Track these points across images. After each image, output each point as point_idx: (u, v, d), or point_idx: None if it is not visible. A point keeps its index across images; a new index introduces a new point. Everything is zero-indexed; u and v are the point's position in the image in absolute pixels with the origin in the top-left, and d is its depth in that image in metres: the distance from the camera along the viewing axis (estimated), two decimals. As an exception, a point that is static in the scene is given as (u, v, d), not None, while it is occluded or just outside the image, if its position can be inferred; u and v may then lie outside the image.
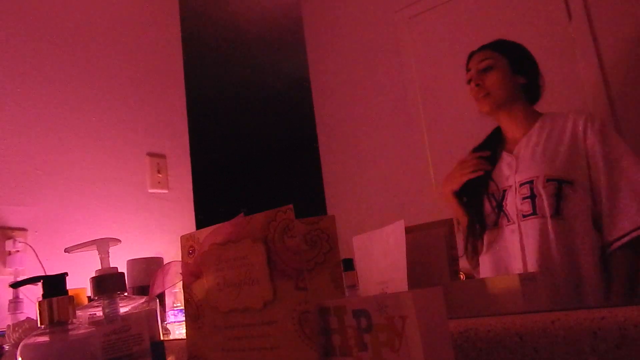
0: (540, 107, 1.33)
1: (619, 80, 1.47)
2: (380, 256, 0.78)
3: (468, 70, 1.31)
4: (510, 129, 1.28)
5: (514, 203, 1.16)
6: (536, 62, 1.28)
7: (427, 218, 1.35)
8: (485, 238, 1.20)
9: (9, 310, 1.20)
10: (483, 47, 1.31)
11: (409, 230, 0.76)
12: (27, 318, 0.94)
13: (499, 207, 1.19)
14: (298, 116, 2.29)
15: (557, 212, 1.11)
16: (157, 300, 0.72)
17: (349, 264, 0.97)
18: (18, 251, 1.36)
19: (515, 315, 0.55)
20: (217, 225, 0.60)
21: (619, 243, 1.11)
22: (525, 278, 0.76)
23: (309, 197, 1.99)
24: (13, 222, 1.40)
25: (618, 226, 1.11)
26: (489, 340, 0.56)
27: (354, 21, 2.05)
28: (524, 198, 1.15)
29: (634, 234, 1.09)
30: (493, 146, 1.29)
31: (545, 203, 1.12)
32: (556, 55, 1.57)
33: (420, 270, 0.78)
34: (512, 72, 1.26)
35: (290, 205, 0.54)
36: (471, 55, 1.32)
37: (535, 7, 1.61)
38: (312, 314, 0.50)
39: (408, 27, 1.87)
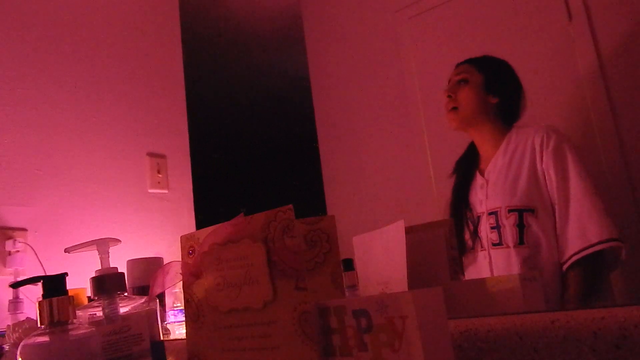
0: (538, 108, 1.33)
1: (619, 80, 1.47)
2: (380, 256, 0.78)
3: (449, 81, 1.32)
4: (482, 145, 1.29)
5: (485, 231, 1.20)
6: (519, 81, 1.27)
7: (427, 218, 1.35)
8: (463, 261, 1.23)
9: (9, 310, 1.20)
10: (466, 61, 1.31)
11: (409, 230, 0.76)
12: (27, 318, 0.94)
13: (475, 233, 1.22)
14: (298, 116, 2.29)
15: (520, 241, 1.14)
16: (157, 300, 0.72)
17: (349, 264, 0.97)
18: (18, 251, 1.36)
19: (515, 315, 0.55)
20: (217, 225, 0.60)
21: (566, 265, 1.14)
22: (525, 278, 0.76)
23: (309, 197, 1.99)
24: (13, 222, 1.40)
25: (565, 249, 1.14)
26: (489, 340, 0.56)
27: (354, 21, 2.05)
28: (492, 228, 1.19)
29: (575, 258, 1.12)
30: (468, 162, 1.31)
31: (508, 233, 1.15)
32: (556, 56, 1.57)
33: (420, 270, 0.78)
34: (485, 90, 1.25)
35: (290, 205, 0.54)
36: (456, 67, 1.33)
37: (535, 8, 1.61)
38: (312, 314, 0.50)
39: (408, 27, 1.87)
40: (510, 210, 1.16)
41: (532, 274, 1.08)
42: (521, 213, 1.15)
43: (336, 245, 0.59)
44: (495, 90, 1.26)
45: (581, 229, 1.13)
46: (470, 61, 1.30)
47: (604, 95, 1.48)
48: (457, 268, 0.84)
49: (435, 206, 1.49)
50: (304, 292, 0.51)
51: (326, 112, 2.07)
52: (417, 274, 0.76)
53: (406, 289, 0.71)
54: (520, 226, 1.14)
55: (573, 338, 0.51)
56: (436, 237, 0.83)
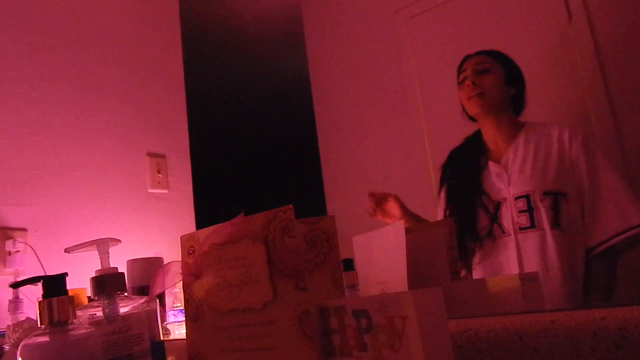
0: (539, 108, 1.34)
1: (618, 81, 1.47)
2: (380, 256, 0.78)
3: (462, 71, 1.32)
4: (494, 137, 1.30)
5: (509, 216, 1.20)
6: (523, 76, 1.31)
7: (427, 218, 1.35)
8: (480, 249, 1.22)
9: (9, 310, 1.20)
10: (480, 52, 1.33)
11: (409, 230, 0.76)
12: (27, 318, 0.94)
13: (494, 220, 1.21)
14: (298, 116, 2.29)
15: (555, 224, 1.15)
16: (157, 300, 0.72)
17: (349, 264, 0.97)
18: (18, 251, 1.36)
19: (515, 315, 0.55)
20: (217, 225, 0.60)
21: (597, 250, 1.16)
22: (525, 278, 0.76)
23: (309, 197, 1.99)
24: (13, 222, 1.40)
25: (597, 234, 1.16)
26: (489, 340, 0.56)
27: (354, 21, 2.05)
28: (520, 211, 1.18)
29: (610, 242, 1.15)
30: (473, 152, 1.32)
31: (544, 216, 1.16)
32: (556, 56, 1.57)
33: (420, 270, 0.78)
34: (506, 81, 1.28)
35: (290, 205, 0.54)
36: (467, 58, 1.33)
37: (535, 8, 1.61)
38: (312, 314, 0.50)
39: (408, 27, 1.87)
40: (545, 194, 1.17)
41: (532, 274, 1.08)
42: (556, 196, 1.17)
43: (336, 245, 0.59)
44: (513, 82, 1.29)
45: (620, 211, 1.15)
46: (485, 53, 1.32)
47: (604, 95, 1.48)
48: (457, 268, 0.84)
49: (435, 206, 1.48)
50: (304, 292, 0.51)
51: (326, 112, 2.07)
52: (417, 274, 0.76)
53: (406, 289, 0.71)
54: (555, 209, 1.16)
55: (573, 338, 0.51)
56: (436, 237, 0.83)
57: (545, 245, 1.15)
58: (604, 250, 1.16)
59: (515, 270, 1.16)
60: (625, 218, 1.14)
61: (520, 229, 1.18)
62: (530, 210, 1.17)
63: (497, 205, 1.22)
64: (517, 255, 1.17)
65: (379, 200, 1.29)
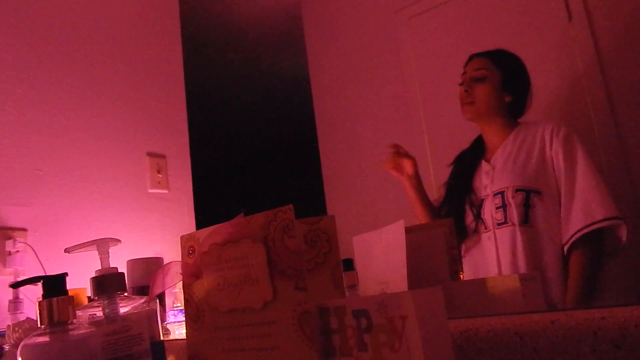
0: (538, 107, 1.34)
1: (618, 80, 1.47)
2: (380, 256, 0.78)
3: (464, 72, 1.35)
4: (490, 138, 1.33)
5: (490, 212, 1.23)
6: (529, 79, 1.32)
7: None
8: (465, 244, 1.25)
9: (9, 310, 1.20)
10: (483, 54, 1.35)
11: (409, 230, 0.76)
12: (27, 318, 0.94)
13: (478, 216, 1.25)
14: (298, 116, 2.29)
15: (525, 221, 1.17)
16: (157, 300, 0.72)
17: (349, 264, 0.97)
18: (18, 251, 1.36)
19: (515, 315, 0.55)
20: (217, 225, 0.60)
21: (568, 243, 1.16)
22: (525, 278, 0.76)
23: (309, 197, 1.99)
24: (13, 222, 1.40)
25: (568, 230, 1.17)
26: (489, 340, 0.56)
27: (354, 21, 2.05)
28: (497, 207, 1.22)
29: (574, 238, 1.15)
30: (476, 153, 1.35)
31: (514, 212, 1.18)
32: (556, 56, 1.57)
33: (420, 270, 0.78)
34: (502, 88, 1.31)
35: (290, 205, 0.54)
36: (471, 58, 1.35)
37: (535, 8, 1.61)
38: (312, 314, 0.50)
39: (408, 27, 1.87)
40: (517, 190, 1.19)
41: (532, 274, 1.09)
42: (528, 193, 1.19)
43: (336, 245, 0.59)
44: (511, 89, 1.31)
45: (586, 207, 1.16)
46: (487, 55, 1.34)
47: (604, 96, 1.47)
48: (457, 268, 0.84)
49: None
50: (304, 292, 0.51)
51: (326, 112, 2.07)
52: (417, 274, 0.76)
53: (406, 289, 0.71)
54: (526, 206, 1.18)
55: (573, 338, 0.51)
56: (436, 237, 0.83)
57: (515, 241, 1.17)
58: (576, 248, 1.16)
59: (493, 264, 1.19)
60: (590, 214, 1.15)
61: (498, 224, 1.21)
62: (504, 206, 1.20)
63: (481, 202, 1.25)
64: (495, 250, 1.20)
65: (397, 155, 1.36)
